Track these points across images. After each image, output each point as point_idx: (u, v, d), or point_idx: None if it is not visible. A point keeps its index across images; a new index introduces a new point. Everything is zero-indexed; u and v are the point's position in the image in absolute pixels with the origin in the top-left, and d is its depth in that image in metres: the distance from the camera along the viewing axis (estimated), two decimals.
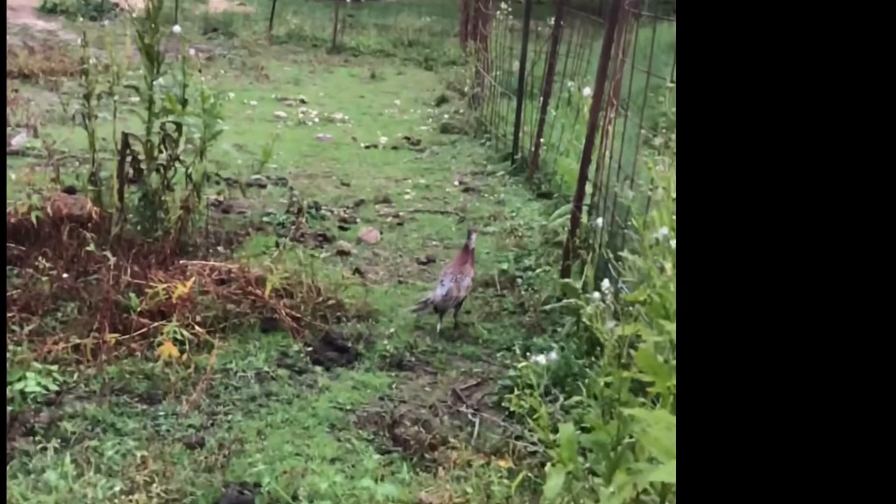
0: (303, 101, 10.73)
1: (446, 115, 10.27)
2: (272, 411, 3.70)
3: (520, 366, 3.97)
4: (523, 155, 7.90)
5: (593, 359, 4.02)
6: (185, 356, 3.94)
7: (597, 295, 2.62)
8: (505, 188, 7.45)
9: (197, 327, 4.13)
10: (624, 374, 2.59)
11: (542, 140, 7.48)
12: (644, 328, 2.55)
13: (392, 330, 4.56)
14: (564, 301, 4.46)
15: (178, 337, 3.99)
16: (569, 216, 5.77)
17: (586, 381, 3.78)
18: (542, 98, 7.71)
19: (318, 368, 4.10)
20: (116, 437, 3.40)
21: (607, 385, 2.68)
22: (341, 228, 6.17)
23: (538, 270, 5.35)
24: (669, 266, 2.45)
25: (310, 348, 4.24)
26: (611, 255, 4.16)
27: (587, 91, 5.81)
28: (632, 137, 4.49)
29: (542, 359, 2.71)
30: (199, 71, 5.07)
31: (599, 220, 4.33)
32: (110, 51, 5.12)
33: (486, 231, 6.27)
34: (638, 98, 5.14)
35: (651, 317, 2.49)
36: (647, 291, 2.41)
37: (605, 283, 2.70)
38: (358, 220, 6.41)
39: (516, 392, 3.58)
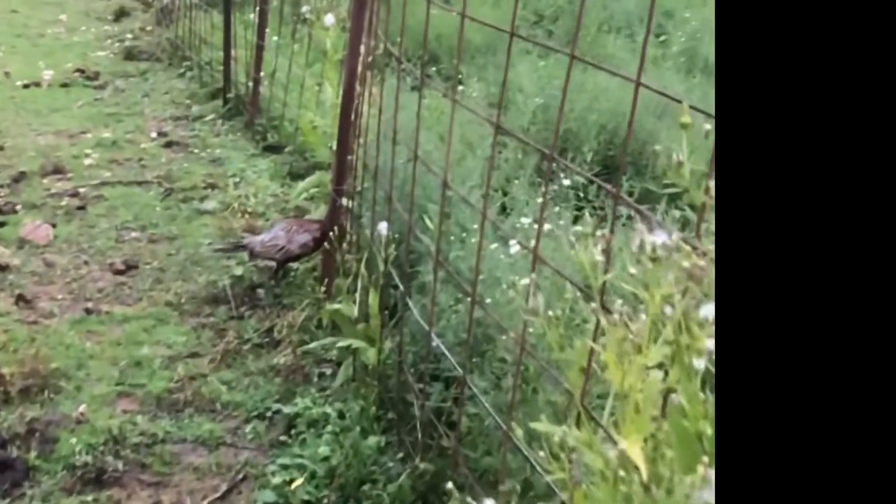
0: None
1: (129, 35, 8.50)
2: None
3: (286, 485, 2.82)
4: (238, 92, 6.48)
5: (395, 436, 2.91)
6: None
7: None
8: (220, 139, 6.02)
9: None
10: None
11: (262, 73, 6.10)
12: None
13: (82, 408, 3.17)
14: (340, 343, 3.26)
15: None
16: (317, 189, 4.56)
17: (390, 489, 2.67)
18: (256, 16, 6.28)
19: None
20: None
21: None
22: None
23: (286, 273, 4.10)
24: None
25: None
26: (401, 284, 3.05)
27: (329, 19, 4.53)
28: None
29: None
30: None
31: (383, 226, 3.15)
32: None
33: (203, 210, 4.90)
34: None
35: None
36: None
37: None
38: (19, 206, 4.78)
39: None
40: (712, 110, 1.52)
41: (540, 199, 3.48)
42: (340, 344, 3.23)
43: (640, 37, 7.07)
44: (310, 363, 3.50)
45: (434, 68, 6.42)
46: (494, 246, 2.81)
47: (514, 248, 2.59)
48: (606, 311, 1.40)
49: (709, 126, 1.56)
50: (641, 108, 4.70)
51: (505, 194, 3.97)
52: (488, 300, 2.64)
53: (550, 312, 1.34)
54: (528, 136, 4.61)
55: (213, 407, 3.27)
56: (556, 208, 3.48)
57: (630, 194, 3.94)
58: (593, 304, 1.28)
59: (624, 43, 6.84)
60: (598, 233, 1.37)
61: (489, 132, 4.41)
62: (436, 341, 2.61)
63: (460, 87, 5.77)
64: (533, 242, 2.91)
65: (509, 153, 4.33)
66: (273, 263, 4.04)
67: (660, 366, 1.37)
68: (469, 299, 2.66)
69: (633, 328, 1.27)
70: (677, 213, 3.73)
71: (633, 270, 1.34)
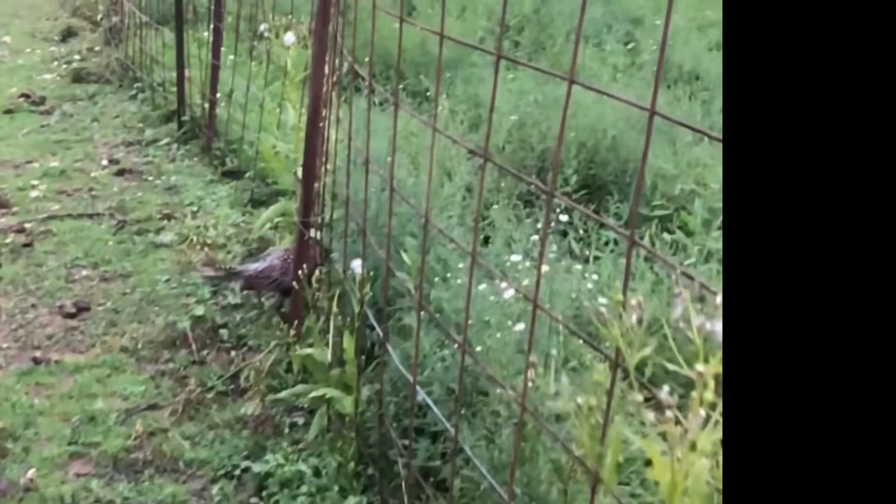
0: None
1: (77, 57, 8.19)
2: None
3: None
4: (193, 114, 6.21)
5: (377, 495, 2.67)
6: None
7: None
8: (175, 165, 5.75)
9: None
10: None
11: (218, 94, 5.84)
12: None
13: (31, 473, 2.90)
14: (313, 392, 3.02)
15: None
16: (281, 218, 4.32)
17: None
18: (210, 34, 6.02)
19: None
20: None
21: None
22: None
23: (251, 312, 3.86)
24: None
25: None
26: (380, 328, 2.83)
27: (290, 38, 4.29)
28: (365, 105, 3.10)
29: None
30: None
31: (357, 264, 2.93)
32: None
33: (159, 243, 4.63)
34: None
35: None
36: None
37: None
38: None
39: None
40: (694, 125, 1.31)
41: (526, 231, 3.27)
42: (314, 393, 2.99)
43: (608, 45, 6.90)
44: (280, 412, 3.25)
45: (399, 85, 6.19)
46: (483, 286, 2.59)
47: (509, 291, 2.37)
48: (644, 386, 1.18)
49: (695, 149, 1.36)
50: (622, 123, 4.52)
51: (483, 219, 3.76)
52: (478, 347, 2.41)
53: (580, 399, 1.12)
54: (504, 156, 4.39)
55: (176, 466, 3.02)
56: (551, 244, 3.27)
57: (617, 217, 3.74)
58: (638, 397, 1.06)
59: (593, 53, 6.66)
60: (633, 300, 1.15)
61: (465, 153, 4.20)
62: (421, 394, 2.38)
63: (428, 104, 5.57)
64: (525, 282, 2.70)
65: (485, 174, 4.11)
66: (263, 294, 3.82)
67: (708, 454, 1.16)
68: (456, 345, 2.45)
69: (686, 424, 1.05)
70: (667, 237, 3.54)
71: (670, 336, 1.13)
